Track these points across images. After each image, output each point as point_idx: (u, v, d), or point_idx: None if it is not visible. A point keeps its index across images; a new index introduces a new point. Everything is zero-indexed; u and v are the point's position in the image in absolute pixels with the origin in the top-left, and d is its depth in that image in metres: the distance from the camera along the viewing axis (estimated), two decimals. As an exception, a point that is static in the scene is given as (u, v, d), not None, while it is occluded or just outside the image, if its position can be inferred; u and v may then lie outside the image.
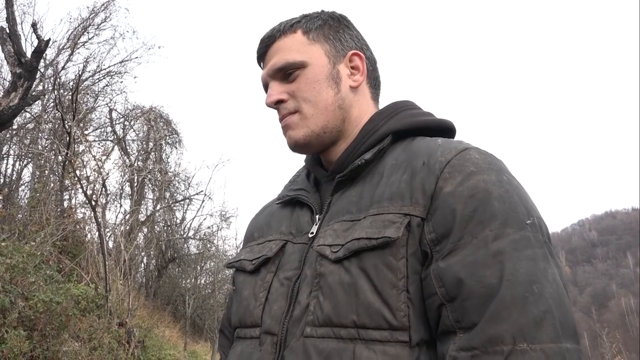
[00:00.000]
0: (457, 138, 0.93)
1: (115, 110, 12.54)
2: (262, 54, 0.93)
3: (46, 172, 9.33)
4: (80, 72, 9.71)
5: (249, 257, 0.93)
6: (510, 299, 0.65)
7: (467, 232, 0.70)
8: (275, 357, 0.78)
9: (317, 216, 0.88)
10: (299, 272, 0.82)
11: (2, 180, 9.56)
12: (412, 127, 0.90)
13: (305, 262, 0.82)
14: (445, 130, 0.92)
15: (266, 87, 0.93)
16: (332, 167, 0.91)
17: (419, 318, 0.71)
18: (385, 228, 0.74)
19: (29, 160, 9.97)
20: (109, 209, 11.07)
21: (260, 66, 0.96)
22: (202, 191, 13.75)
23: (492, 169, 0.76)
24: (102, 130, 12.47)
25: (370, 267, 0.73)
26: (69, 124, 7.69)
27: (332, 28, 0.93)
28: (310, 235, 0.85)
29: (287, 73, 0.89)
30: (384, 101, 1.00)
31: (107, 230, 9.21)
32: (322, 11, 0.95)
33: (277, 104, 0.90)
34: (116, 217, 12.03)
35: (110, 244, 9.12)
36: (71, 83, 9.91)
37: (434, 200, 0.74)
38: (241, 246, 1.07)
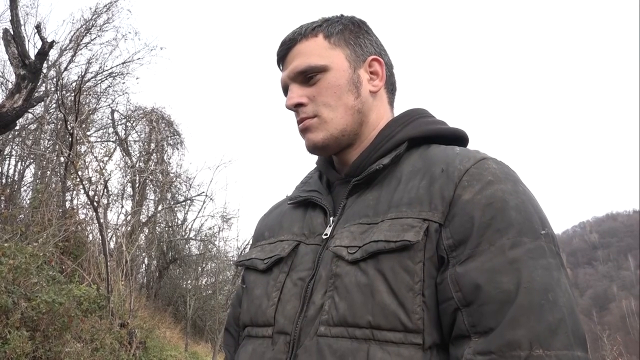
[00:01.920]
0: (469, 147, 0.94)
1: (117, 111, 12.57)
2: (283, 57, 0.94)
3: (48, 173, 9.35)
4: (82, 73, 9.76)
5: (260, 256, 0.94)
6: (528, 305, 0.67)
7: (485, 239, 0.72)
8: (288, 356, 0.79)
9: (331, 218, 0.88)
10: (312, 273, 0.83)
11: (4, 181, 9.57)
12: (427, 134, 0.91)
13: (320, 262, 0.83)
14: (459, 139, 0.94)
15: (285, 89, 0.94)
16: (347, 170, 0.92)
17: (433, 322, 0.73)
18: (404, 232, 0.75)
19: (31, 161, 9.98)
20: (111, 210, 11.07)
21: (279, 68, 0.96)
22: (203, 192, 13.74)
23: (509, 179, 0.78)
24: (104, 131, 12.51)
25: (388, 269, 0.74)
26: (71, 124, 7.71)
27: (353, 33, 0.93)
28: (324, 237, 0.86)
29: (307, 76, 0.90)
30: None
31: (109, 231, 9.21)
32: (342, 15, 0.96)
33: (296, 107, 0.91)
34: (118, 218, 12.06)
35: (112, 245, 9.14)
36: (74, 84, 9.92)
37: (452, 207, 0.76)
38: (244, 247, 1.08)
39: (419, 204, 0.78)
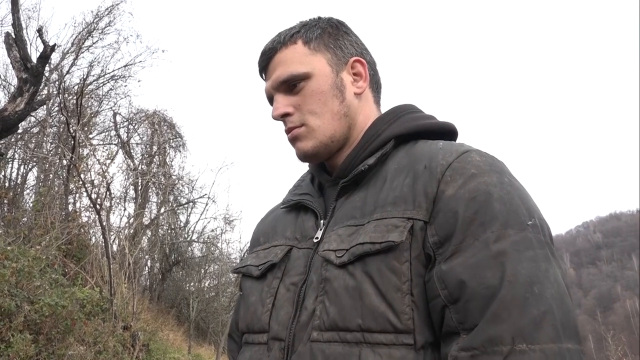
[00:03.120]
0: (459, 140, 0.93)
1: (120, 114, 12.61)
2: (265, 67, 0.93)
3: (51, 176, 9.38)
4: (84, 76, 9.75)
5: (255, 263, 0.94)
6: (511, 299, 0.66)
7: (469, 234, 0.71)
8: None
9: (322, 221, 0.88)
10: (304, 278, 0.83)
11: (7, 184, 9.60)
12: (414, 131, 0.90)
13: (311, 267, 0.83)
14: (447, 133, 0.93)
15: (270, 99, 0.94)
16: (336, 173, 0.92)
17: (424, 320, 0.72)
18: (388, 232, 0.75)
19: (34, 164, 10.02)
20: (114, 213, 11.05)
21: (262, 78, 0.96)
22: (205, 194, 13.74)
23: (493, 171, 0.76)
24: (107, 134, 12.53)
25: (375, 271, 0.74)
26: (74, 127, 7.73)
27: (332, 36, 0.93)
28: (315, 241, 0.86)
29: (291, 85, 0.89)
30: (384, 104, 1.00)
31: (112, 233, 9.22)
32: (320, 18, 0.95)
33: (283, 117, 0.91)
34: (120, 220, 12.05)
35: (115, 248, 9.13)
36: (76, 87, 9.98)
37: (436, 203, 0.75)
38: (246, 250, 1.08)
39: (404, 203, 0.77)
